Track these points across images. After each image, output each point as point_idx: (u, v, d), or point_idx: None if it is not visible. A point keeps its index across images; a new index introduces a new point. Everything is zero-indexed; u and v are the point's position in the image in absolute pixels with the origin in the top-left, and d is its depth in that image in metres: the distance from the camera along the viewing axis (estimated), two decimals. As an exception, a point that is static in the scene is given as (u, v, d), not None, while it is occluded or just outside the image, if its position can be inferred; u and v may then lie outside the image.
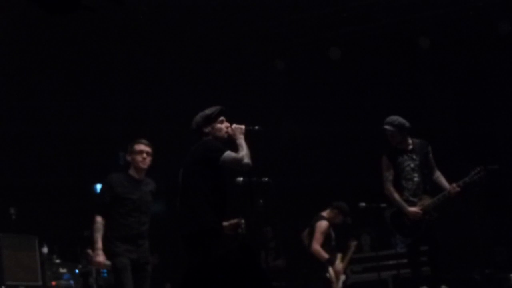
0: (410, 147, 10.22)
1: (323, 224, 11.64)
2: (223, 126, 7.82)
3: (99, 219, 8.70)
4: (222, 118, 7.85)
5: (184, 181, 7.68)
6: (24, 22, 11.90)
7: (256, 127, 7.86)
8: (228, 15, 13.47)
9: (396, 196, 10.18)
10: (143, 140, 8.91)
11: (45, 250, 11.12)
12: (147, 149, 8.87)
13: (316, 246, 11.47)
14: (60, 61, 13.14)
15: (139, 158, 8.79)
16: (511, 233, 13.53)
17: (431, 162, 10.28)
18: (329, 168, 15.29)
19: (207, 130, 7.73)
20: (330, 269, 11.43)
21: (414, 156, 10.20)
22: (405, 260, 11.11)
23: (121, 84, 14.23)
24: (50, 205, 13.42)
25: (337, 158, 15.13)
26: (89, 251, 12.23)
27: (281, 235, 14.82)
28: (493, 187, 12.37)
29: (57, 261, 11.29)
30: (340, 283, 11.49)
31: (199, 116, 7.81)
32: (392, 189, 10.23)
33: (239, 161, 7.44)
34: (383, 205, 11.17)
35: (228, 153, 7.46)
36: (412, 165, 10.20)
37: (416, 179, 10.19)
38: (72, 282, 11.16)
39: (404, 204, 10.13)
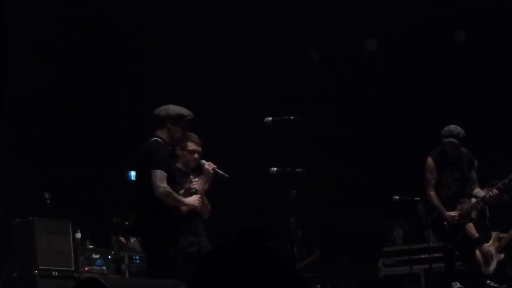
0: (459, 157, 10.15)
1: None
2: (183, 131, 7.89)
3: None
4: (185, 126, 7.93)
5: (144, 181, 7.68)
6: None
7: (292, 117, 7.85)
8: (263, 4, 13.44)
9: (437, 201, 10.17)
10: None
11: (78, 235, 11.18)
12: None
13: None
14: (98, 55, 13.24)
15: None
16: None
17: (473, 177, 10.22)
18: (362, 160, 15.22)
19: (170, 125, 7.76)
20: (477, 250, 10.70)
21: (459, 168, 10.14)
22: (437, 254, 11.07)
23: (157, 73, 14.28)
24: (84, 191, 13.52)
25: (372, 150, 15.06)
26: (121, 238, 12.34)
27: (314, 225, 14.81)
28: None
29: (90, 246, 11.35)
30: (494, 264, 10.73)
31: (172, 109, 7.82)
32: (433, 194, 10.20)
33: (156, 186, 7.47)
34: (417, 198, 11.13)
35: (159, 173, 7.49)
36: (454, 176, 10.15)
37: (453, 188, 10.17)
38: (104, 268, 11.20)
39: (443, 209, 10.12)
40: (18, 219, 10.30)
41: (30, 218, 10.21)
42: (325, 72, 14.94)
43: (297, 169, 8.45)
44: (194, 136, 8.58)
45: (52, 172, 12.93)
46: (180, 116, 7.77)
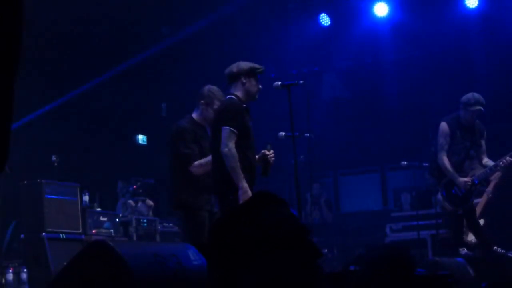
0: (471, 126, 10.11)
1: None
2: (257, 84, 7.59)
3: None
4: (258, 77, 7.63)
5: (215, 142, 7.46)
6: None
7: (301, 82, 7.80)
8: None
9: (449, 166, 10.11)
10: None
11: (86, 198, 11.19)
12: None
13: None
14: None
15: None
16: None
17: (483, 146, 10.21)
18: (370, 125, 15.19)
19: (244, 80, 7.53)
20: None
21: (471, 136, 10.11)
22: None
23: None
24: (92, 154, 13.54)
25: (379, 116, 15.02)
26: (130, 201, 12.35)
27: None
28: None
29: (98, 209, 11.36)
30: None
31: (244, 64, 7.58)
32: (446, 159, 10.12)
33: (223, 144, 7.18)
34: (425, 164, 11.11)
35: (228, 129, 7.23)
36: (465, 144, 10.11)
37: (462, 156, 10.12)
38: (112, 231, 11.23)
39: (456, 175, 10.07)
40: (26, 181, 10.28)
41: (38, 180, 10.19)
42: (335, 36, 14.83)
43: (305, 134, 8.45)
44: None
45: (60, 135, 12.93)
46: (252, 70, 7.53)
